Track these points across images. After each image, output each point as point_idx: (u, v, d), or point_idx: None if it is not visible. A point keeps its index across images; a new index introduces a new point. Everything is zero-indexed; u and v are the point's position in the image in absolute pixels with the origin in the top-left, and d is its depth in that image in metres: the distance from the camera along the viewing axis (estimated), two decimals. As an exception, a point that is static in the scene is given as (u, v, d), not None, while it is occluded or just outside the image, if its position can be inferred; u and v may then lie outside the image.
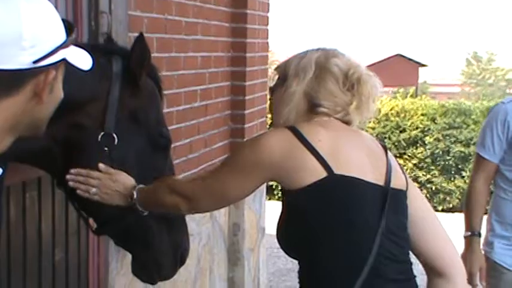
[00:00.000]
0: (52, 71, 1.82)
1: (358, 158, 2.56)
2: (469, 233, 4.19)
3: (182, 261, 2.96)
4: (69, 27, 1.90)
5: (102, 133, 2.66)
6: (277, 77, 2.76)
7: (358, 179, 2.50)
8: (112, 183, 2.71)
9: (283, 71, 2.70)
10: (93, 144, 2.66)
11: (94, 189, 2.69)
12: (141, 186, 2.73)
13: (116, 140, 2.68)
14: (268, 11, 6.42)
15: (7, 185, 2.99)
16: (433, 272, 2.68)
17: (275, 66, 2.83)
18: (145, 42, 2.71)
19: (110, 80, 2.68)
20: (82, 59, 1.97)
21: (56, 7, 3.30)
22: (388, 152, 2.69)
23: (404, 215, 2.61)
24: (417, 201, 2.69)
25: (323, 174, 2.46)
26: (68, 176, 2.67)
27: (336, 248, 2.50)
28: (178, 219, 2.93)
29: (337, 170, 2.47)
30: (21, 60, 1.76)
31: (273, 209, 9.55)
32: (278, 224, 2.64)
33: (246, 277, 5.98)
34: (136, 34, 3.91)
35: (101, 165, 2.69)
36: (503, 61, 59.59)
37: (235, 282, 5.89)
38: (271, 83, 2.82)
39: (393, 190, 2.57)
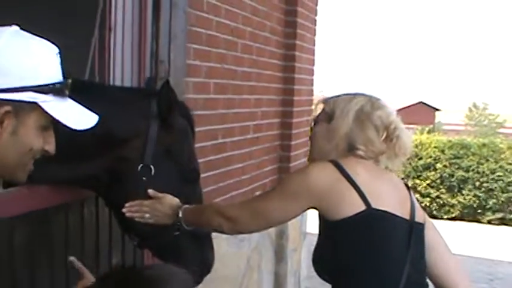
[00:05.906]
0: (6, 107, 1.25)
1: (389, 193, 2.05)
2: None
3: (207, 272, 2.42)
4: (68, 77, 1.36)
5: (141, 165, 2.18)
6: (322, 108, 2.18)
7: (391, 213, 1.99)
8: (160, 206, 2.23)
9: (331, 109, 2.12)
10: (133, 174, 2.19)
11: (147, 215, 2.23)
12: (186, 206, 2.24)
13: (153, 171, 2.19)
14: (313, 65, 5.83)
15: (69, 202, 2.50)
16: None
17: (323, 98, 2.21)
18: (170, 87, 2.19)
19: (149, 119, 2.19)
20: (76, 117, 1.39)
21: (123, 55, 2.83)
22: (410, 190, 2.16)
23: (423, 244, 2.10)
24: (430, 231, 2.16)
25: (362, 207, 1.95)
26: (124, 209, 2.21)
27: (368, 278, 1.97)
28: (206, 236, 2.40)
29: (374, 205, 1.95)
30: None
31: (315, 213, 8.98)
32: (315, 249, 2.12)
33: (289, 271, 5.37)
34: (193, 79, 3.41)
35: (150, 191, 2.23)
36: (495, 108, 59.50)
37: (280, 275, 5.29)
38: (316, 113, 2.23)
39: (416, 223, 2.09)
